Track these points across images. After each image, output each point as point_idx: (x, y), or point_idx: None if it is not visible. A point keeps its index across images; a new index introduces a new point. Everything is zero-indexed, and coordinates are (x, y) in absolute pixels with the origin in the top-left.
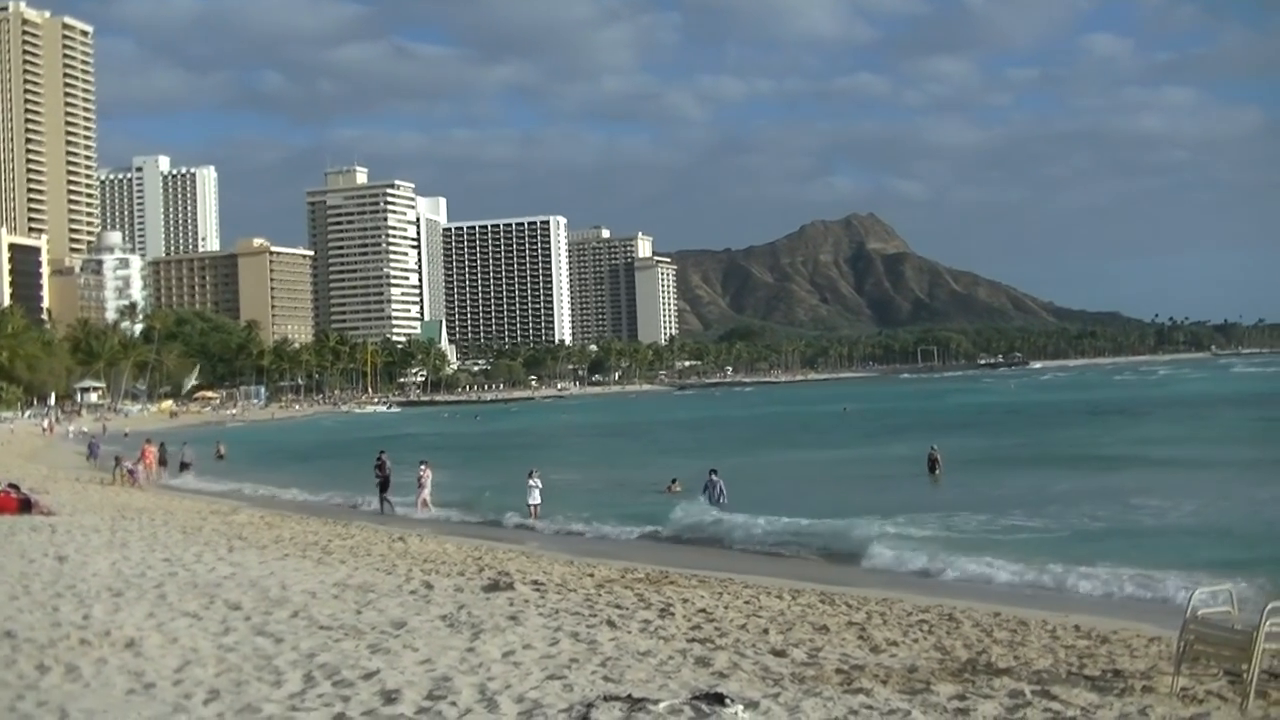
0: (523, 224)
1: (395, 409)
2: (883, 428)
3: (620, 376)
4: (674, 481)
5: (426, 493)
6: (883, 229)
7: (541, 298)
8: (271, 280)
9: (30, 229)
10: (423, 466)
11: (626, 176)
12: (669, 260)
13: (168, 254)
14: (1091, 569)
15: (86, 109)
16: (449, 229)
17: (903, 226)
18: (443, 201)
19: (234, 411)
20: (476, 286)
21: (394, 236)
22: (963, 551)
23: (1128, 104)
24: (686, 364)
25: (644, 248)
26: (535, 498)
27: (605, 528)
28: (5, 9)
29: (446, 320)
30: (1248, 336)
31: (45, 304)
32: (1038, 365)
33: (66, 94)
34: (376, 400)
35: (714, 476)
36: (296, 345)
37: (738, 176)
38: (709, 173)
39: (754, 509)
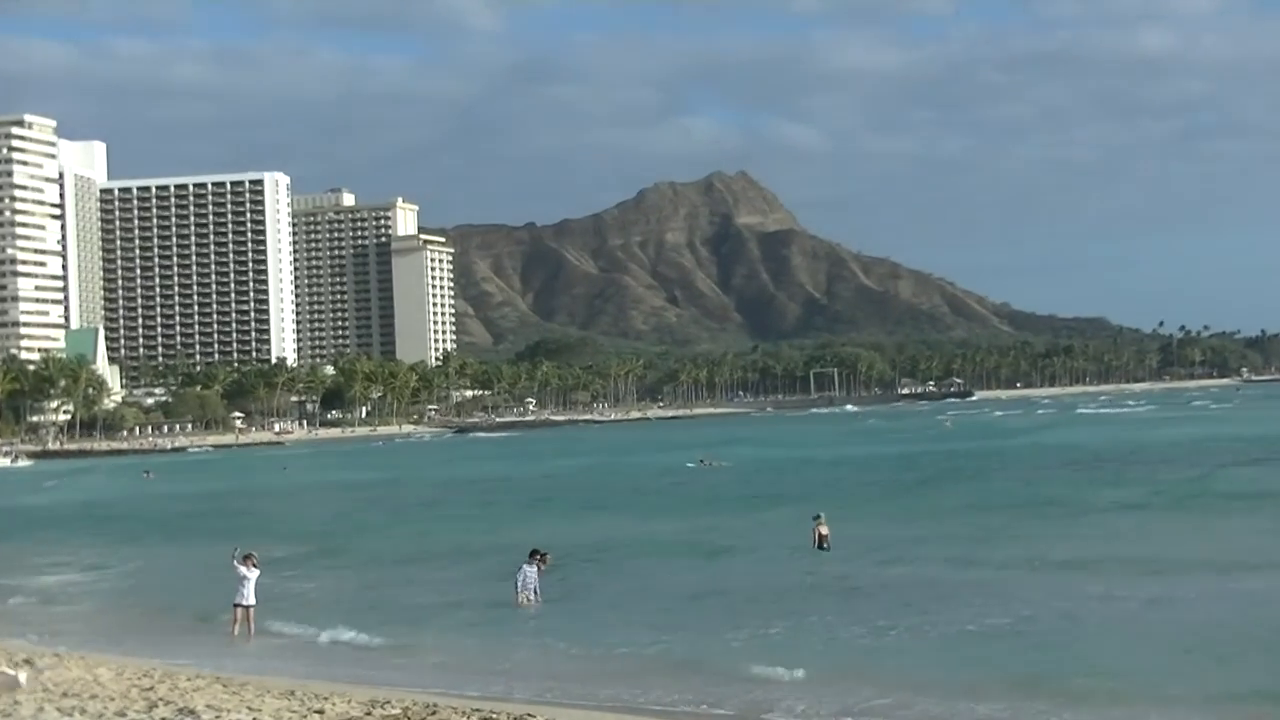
0: (223, 184)
1: (24, 462)
2: (755, 488)
3: (369, 413)
4: (542, 557)
5: None
6: (760, 196)
7: (252, 295)
8: None
9: None
10: None
11: (380, 116)
12: (443, 241)
13: None
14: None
15: None
16: (111, 190)
17: (789, 192)
18: (100, 149)
19: None
20: (153, 278)
21: (23, 202)
22: (882, 683)
23: (1120, 12)
24: (468, 394)
25: (406, 222)
26: (247, 595)
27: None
28: None
29: (106, 328)
30: None
31: None
32: (1006, 397)
33: None
34: None
35: (532, 565)
36: None
37: (546, 117)
38: (503, 112)
39: (578, 606)
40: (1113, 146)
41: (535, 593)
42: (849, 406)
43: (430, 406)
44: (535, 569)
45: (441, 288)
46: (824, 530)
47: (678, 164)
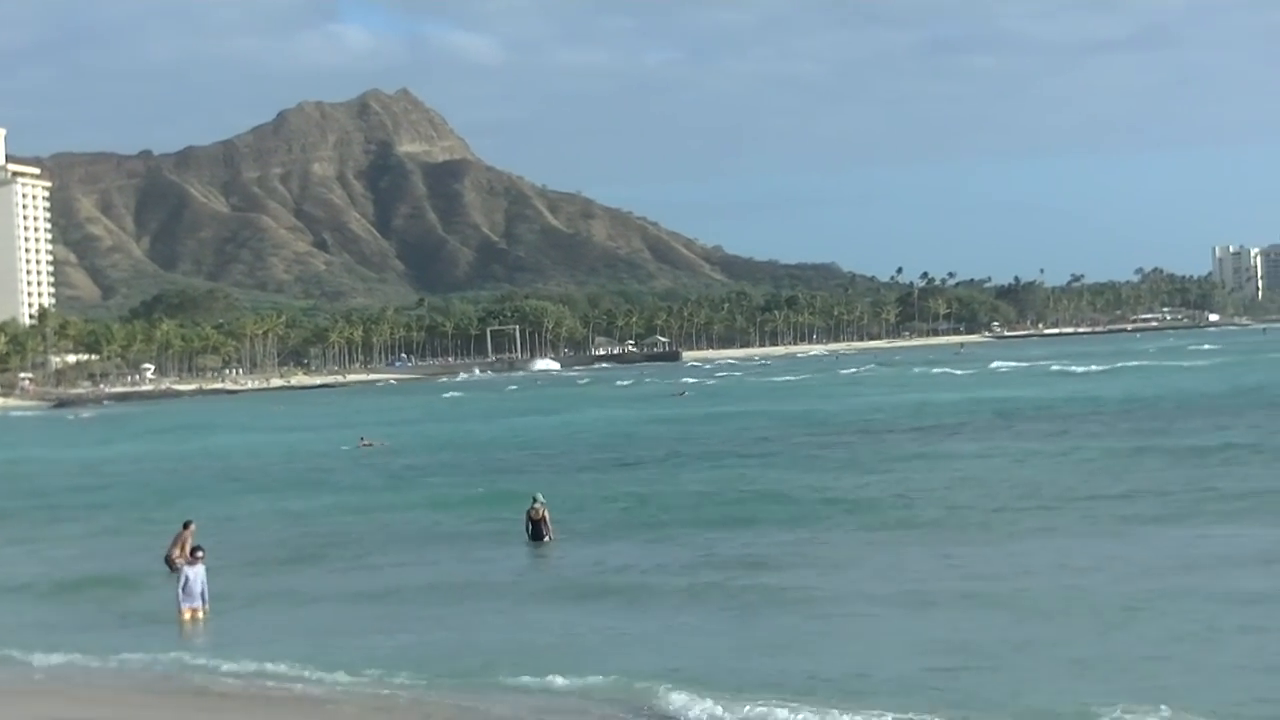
0: None
1: None
2: (437, 465)
3: None
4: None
5: None
6: (425, 119)
7: None
8: None
9: None
10: None
11: None
12: (36, 172)
13: None
14: None
15: None
16: None
17: (460, 115)
18: None
19: None
20: None
21: None
22: None
23: None
24: (71, 360)
25: None
26: None
27: None
28: None
29: None
30: (1056, 304)
31: None
32: (720, 358)
33: None
34: None
35: (197, 558)
36: None
37: (162, 21)
38: (109, 14)
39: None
40: (844, 62)
41: (204, 600)
42: (469, 373)
43: (23, 375)
44: (200, 569)
45: (35, 230)
46: (544, 515)
47: (325, 81)
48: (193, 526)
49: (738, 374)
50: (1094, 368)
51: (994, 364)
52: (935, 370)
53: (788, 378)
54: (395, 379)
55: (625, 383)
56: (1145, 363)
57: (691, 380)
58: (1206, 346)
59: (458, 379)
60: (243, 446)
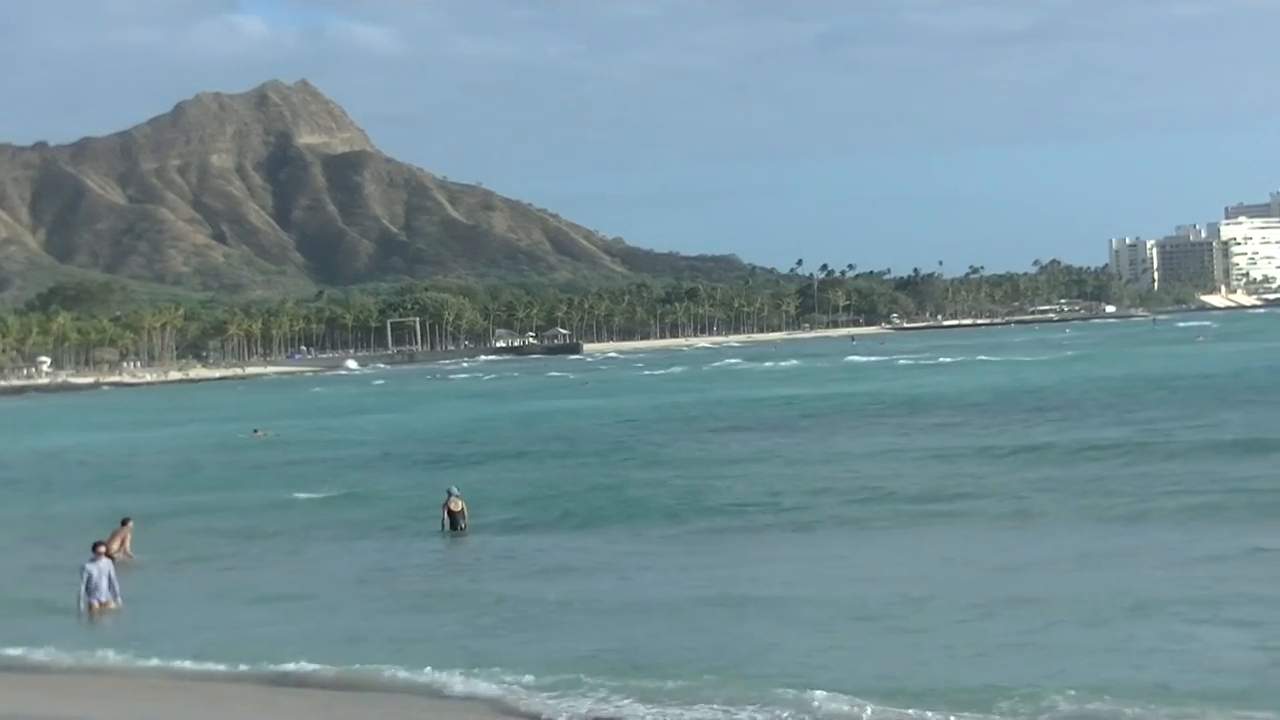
0: None
1: None
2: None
3: None
4: (113, 542)
5: None
6: (325, 110)
7: None
8: None
9: None
10: None
11: None
12: None
13: None
14: None
15: None
16: None
17: (360, 106)
18: None
19: None
20: None
21: None
22: None
23: None
24: None
25: None
26: None
27: None
28: None
29: None
30: (955, 295)
31: None
32: (617, 351)
33: None
34: None
35: (102, 562)
36: None
37: (58, 11)
38: (2, 5)
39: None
40: (746, 54)
41: (113, 593)
42: (351, 364)
43: None
44: (106, 563)
45: None
46: (460, 506)
47: (224, 71)
48: (130, 524)
49: (611, 369)
50: (944, 360)
51: (849, 358)
52: (785, 364)
53: (655, 372)
54: (276, 372)
55: (489, 377)
56: (1002, 357)
57: (557, 374)
58: (1090, 337)
59: (344, 370)
60: (116, 443)
